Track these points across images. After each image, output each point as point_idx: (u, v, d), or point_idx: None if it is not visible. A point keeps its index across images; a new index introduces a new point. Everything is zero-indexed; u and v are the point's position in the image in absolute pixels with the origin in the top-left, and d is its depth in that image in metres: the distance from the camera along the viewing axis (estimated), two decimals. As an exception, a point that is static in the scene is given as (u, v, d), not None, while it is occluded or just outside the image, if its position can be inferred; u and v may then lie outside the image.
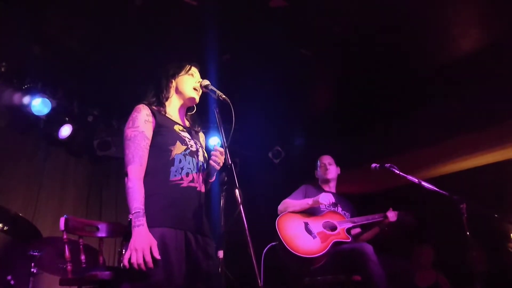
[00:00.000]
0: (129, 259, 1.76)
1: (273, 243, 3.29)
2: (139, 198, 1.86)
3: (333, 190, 3.78)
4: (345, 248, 3.16)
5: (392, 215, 3.44)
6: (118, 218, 5.24)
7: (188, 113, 2.34)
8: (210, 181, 2.21)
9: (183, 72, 2.26)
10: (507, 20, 3.67)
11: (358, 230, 3.62)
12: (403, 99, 4.79)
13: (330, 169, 3.77)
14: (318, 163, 3.87)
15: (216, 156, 2.05)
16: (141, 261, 1.74)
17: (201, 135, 2.37)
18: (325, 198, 3.31)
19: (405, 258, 3.85)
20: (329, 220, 3.40)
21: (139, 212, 1.83)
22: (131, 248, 1.76)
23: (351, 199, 3.81)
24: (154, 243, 1.79)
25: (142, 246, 1.76)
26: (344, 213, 3.59)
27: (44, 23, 3.82)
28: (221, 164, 2.06)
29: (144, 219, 1.83)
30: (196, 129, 2.31)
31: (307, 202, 3.39)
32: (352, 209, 3.71)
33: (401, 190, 4.27)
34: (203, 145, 2.32)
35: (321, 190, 3.68)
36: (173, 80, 2.24)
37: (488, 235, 3.79)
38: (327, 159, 3.86)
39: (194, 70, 2.31)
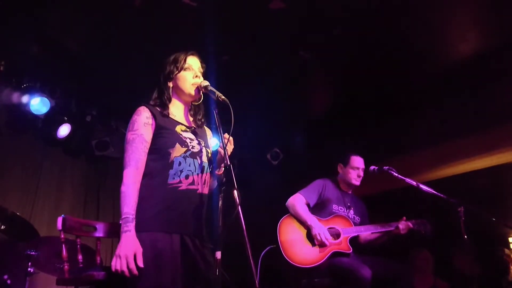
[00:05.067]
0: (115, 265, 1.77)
1: (271, 246, 3.24)
2: (130, 203, 1.85)
3: (350, 192, 3.59)
4: (342, 265, 3.04)
5: (403, 227, 3.22)
6: (115, 218, 5.24)
7: (193, 104, 2.24)
8: (218, 173, 2.06)
9: (178, 70, 2.15)
10: (505, 25, 3.69)
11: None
12: (401, 102, 4.80)
13: (362, 177, 3.48)
14: (350, 162, 3.50)
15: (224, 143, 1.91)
16: (124, 268, 1.74)
17: (207, 130, 2.30)
18: (326, 234, 3.12)
19: (402, 261, 3.83)
20: (334, 227, 3.27)
21: (128, 217, 1.82)
22: (116, 255, 1.77)
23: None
24: (139, 250, 1.78)
25: (126, 253, 1.75)
26: (354, 217, 3.45)
27: (43, 22, 3.82)
28: (229, 151, 1.96)
29: (133, 224, 1.82)
30: (199, 122, 2.23)
31: (309, 220, 3.19)
32: (364, 213, 3.56)
33: (399, 192, 4.27)
34: (209, 140, 2.25)
35: (339, 191, 3.52)
36: (170, 81, 2.17)
37: (486, 238, 3.79)
38: (361, 164, 3.50)
39: (191, 61, 2.19)
